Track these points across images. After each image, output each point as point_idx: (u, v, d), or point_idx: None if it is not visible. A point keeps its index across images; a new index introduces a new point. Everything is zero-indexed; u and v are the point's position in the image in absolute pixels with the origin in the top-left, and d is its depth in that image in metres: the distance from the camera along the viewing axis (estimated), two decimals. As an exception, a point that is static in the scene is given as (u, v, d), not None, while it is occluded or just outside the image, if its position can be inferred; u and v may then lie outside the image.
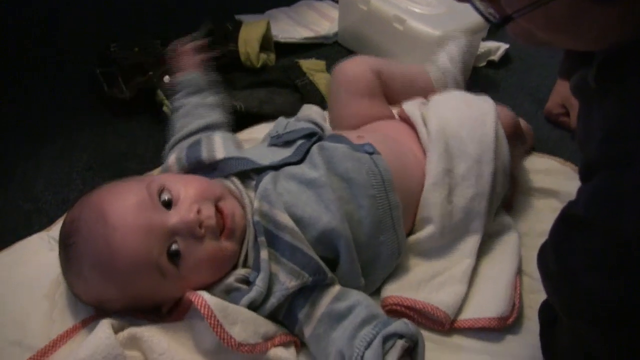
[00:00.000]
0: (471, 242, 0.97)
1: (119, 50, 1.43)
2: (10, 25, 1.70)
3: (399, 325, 0.78)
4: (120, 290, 0.82)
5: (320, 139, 0.97)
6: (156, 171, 1.19)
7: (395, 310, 0.92)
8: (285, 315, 0.85)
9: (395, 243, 0.93)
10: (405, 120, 1.07)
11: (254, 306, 0.83)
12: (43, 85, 1.47)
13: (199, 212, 0.82)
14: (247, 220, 0.87)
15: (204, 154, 0.97)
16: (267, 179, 0.88)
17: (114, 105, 1.37)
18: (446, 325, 0.90)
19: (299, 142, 0.97)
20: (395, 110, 1.16)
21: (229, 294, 0.84)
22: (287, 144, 0.98)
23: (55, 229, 1.04)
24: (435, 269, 0.97)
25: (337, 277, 0.88)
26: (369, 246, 0.90)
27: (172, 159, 1.00)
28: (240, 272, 0.86)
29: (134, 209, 0.80)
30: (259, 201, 0.86)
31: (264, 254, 0.83)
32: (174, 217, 0.81)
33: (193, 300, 0.77)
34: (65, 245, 0.84)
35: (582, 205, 0.61)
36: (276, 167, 0.92)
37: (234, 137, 1.09)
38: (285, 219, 0.84)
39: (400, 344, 0.77)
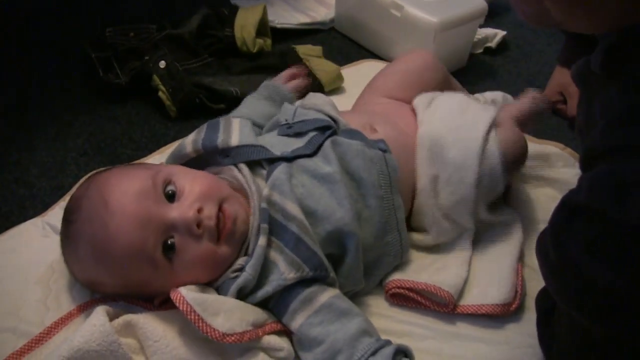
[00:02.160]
0: (465, 237, 0.98)
1: (114, 35, 1.42)
2: (3, 11, 1.68)
3: (406, 347, 0.80)
4: (112, 276, 0.82)
5: (334, 132, 0.95)
6: (153, 156, 1.19)
7: (399, 294, 0.93)
8: (276, 303, 0.84)
9: (399, 244, 0.93)
10: (414, 112, 1.06)
11: (243, 293, 0.83)
12: (38, 71, 1.46)
13: (200, 210, 0.81)
14: (253, 206, 0.86)
15: (219, 140, 0.95)
16: (281, 169, 0.87)
17: (110, 91, 1.36)
18: (450, 305, 0.90)
19: (311, 134, 0.95)
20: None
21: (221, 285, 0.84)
22: (299, 134, 0.96)
23: (49, 215, 1.04)
24: (434, 258, 0.98)
25: (340, 275, 0.87)
26: (374, 246, 0.90)
27: (189, 139, 0.97)
28: (239, 261, 0.85)
29: (135, 197, 0.80)
30: (269, 189, 0.85)
31: (261, 240, 0.82)
32: (173, 212, 0.81)
33: (172, 297, 0.77)
34: (67, 221, 0.84)
35: (583, 193, 0.61)
36: (288, 159, 0.91)
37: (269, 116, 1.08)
38: (295, 210, 0.84)
39: None
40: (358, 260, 0.87)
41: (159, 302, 0.85)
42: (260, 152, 0.92)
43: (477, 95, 1.27)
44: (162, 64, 1.33)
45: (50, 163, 1.20)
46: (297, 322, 0.82)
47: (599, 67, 0.65)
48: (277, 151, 0.92)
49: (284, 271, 0.81)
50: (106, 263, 0.80)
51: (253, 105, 1.11)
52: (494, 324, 0.91)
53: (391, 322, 0.91)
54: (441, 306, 0.91)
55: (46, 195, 1.12)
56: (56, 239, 0.90)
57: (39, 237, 1.00)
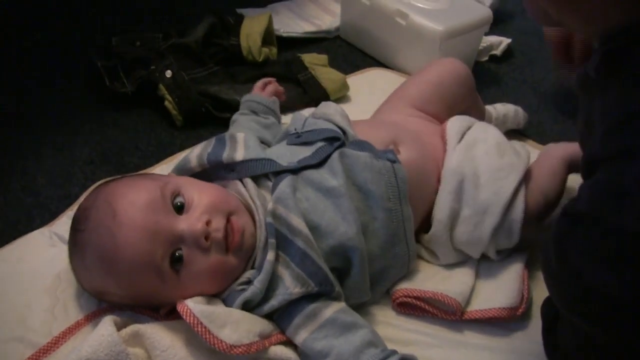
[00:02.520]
0: (471, 260, 0.99)
1: (120, 44, 1.43)
2: (10, 20, 1.69)
3: (412, 356, 0.80)
4: (119, 286, 0.82)
5: (342, 144, 0.95)
6: (160, 166, 1.19)
7: (406, 303, 0.93)
8: (280, 316, 0.84)
9: (407, 255, 0.93)
10: (443, 135, 1.04)
11: (250, 306, 0.83)
12: (44, 80, 1.46)
13: (208, 223, 0.81)
14: (259, 221, 0.86)
15: (225, 155, 0.94)
16: (286, 182, 0.87)
17: (116, 100, 1.36)
18: (457, 313, 0.90)
19: (319, 144, 0.95)
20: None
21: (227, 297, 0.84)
22: (306, 144, 0.96)
23: (57, 224, 1.04)
24: (440, 267, 0.99)
25: (345, 287, 0.87)
26: (381, 258, 0.90)
27: (194, 153, 0.97)
28: (246, 275, 0.85)
29: (144, 208, 0.79)
30: (274, 203, 0.84)
31: (270, 255, 0.82)
32: (182, 224, 0.81)
33: (178, 309, 0.77)
34: (75, 230, 0.84)
35: (584, 200, 0.61)
36: (294, 170, 0.91)
37: (268, 139, 1.08)
38: (300, 224, 0.83)
39: None
40: (363, 273, 0.87)
41: (165, 312, 0.85)
42: (266, 165, 0.92)
43: (488, 107, 1.27)
44: (169, 73, 1.33)
45: (57, 172, 1.20)
46: (300, 337, 0.82)
47: (594, 71, 0.65)
48: (283, 162, 0.92)
49: (289, 286, 0.82)
50: (113, 273, 0.80)
51: (242, 122, 1.11)
52: (500, 332, 0.91)
53: (398, 330, 0.91)
54: (448, 314, 0.91)
55: (53, 204, 1.12)
56: (64, 249, 0.90)
57: (47, 246, 1.00)
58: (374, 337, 0.82)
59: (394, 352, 0.80)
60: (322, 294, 0.83)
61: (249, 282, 0.83)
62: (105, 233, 0.79)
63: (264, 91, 1.20)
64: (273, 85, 1.22)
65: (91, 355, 0.74)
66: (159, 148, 1.27)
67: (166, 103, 1.31)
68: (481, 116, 1.21)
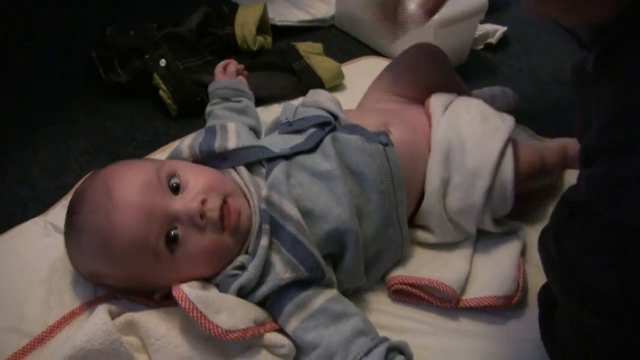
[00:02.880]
0: (469, 239, 0.99)
1: (114, 34, 1.42)
2: (4, 10, 1.69)
3: (401, 343, 0.79)
4: (114, 267, 0.82)
5: (334, 128, 0.95)
6: (154, 155, 1.19)
7: (402, 291, 0.93)
8: (272, 304, 0.84)
9: (400, 238, 0.93)
10: (427, 112, 1.05)
11: (244, 292, 0.83)
12: (38, 71, 1.46)
13: (203, 202, 0.81)
14: (253, 207, 0.86)
15: (217, 144, 0.95)
16: (280, 168, 0.87)
17: (111, 90, 1.36)
18: (453, 300, 0.90)
19: (311, 130, 0.95)
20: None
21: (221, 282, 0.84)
22: (299, 131, 0.96)
23: (51, 214, 1.05)
24: (436, 255, 0.99)
25: (340, 272, 0.87)
26: (375, 241, 0.90)
27: (185, 144, 0.97)
28: (239, 259, 0.85)
29: (140, 188, 0.80)
30: (268, 190, 0.85)
31: (264, 241, 0.82)
32: (177, 203, 0.81)
33: (174, 294, 0.77)
34: (70, 212, 0.85)
35: (582, 190, 0.61)
36: (287, 157, 0.91)
37: (253, 124, 1.09)
38: (292, 210, 0.84)
39: (401, 359, 0.78)
40: (358, 256, 0.87)
41: (159, 297, 0.85)
42: (259, 152, 0.92)
43: (475, 91, 1.27)
44: (163, 62, 1.33)
45: (52, 163, 1.20)
46: (291, 326, 0.82)
47: (593, 67, 0.65)
48: (276, 149, 0.92)
49: (279, 271, 0.82)
50: (109, 254, 0.80)
51: (219, 113, 1.11)
52: (496, 320, 0.91)
53: (393, 318, 0.91)
54: (444, 301, 0.91)
55: (48, 195, 1.12)
56: (58, 238, 0.90)
57: (41, 236, 1.00)
58: (365, 325, 0.82)
59: (384, 340, 0.79)
60: (313, 281, 0.83)
61: (242, 267, 0.83)
62: (102, 213, 0.79)
63: (226, 74, 1.20)
64: (233, 65, 1.22)
65: (85, 344, 0.74)
66: (154, 138, 1.27)
67: (161, 92, 1.30)
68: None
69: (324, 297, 0.82)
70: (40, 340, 0.84)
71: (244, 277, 0.81)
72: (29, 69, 1.47)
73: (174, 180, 0.84)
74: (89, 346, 0.74)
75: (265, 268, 0.83)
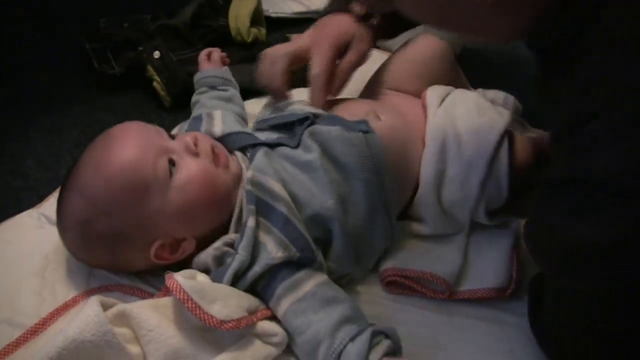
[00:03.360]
0: (463, 231, 0.99)
1: (108, 25, 1.42)
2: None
3: (388, 328, 0.79)
4: (112, 206, 0.82)
5: (312, 123, 0.95)
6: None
7: (395, 282, 0.93)
8: (263, 287, 0.84)
9: (389, 226, 0.93)
10: (423, 103, 1.05)
11: (238, 275, 0.83)
12: (32, 62, 1.46)
13: (195, 141, 0.87)
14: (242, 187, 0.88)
15: (203, 130, 0.98)
16: (262, 152, 0.89)
17: (104, 81, 1.36)
18: (446, 292, 0.90)
19: (292, 126, 0.96)
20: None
21: (215, 269, 0.84)
22: (276, 127, 0.97)
23: (44, 206, 1.04)
24: (430, 246, 0.98)
25: (330, 259, 0.88)
26: (363, 228, 0.90)
27: (173, 132, 0.99)
28: (230, 236, 0.86)
29: (137, 129, 0.87)
30: (253, 171, 0.86)
31: (250, 221, 0.83)
32: (172, 142, 0.87)
33: (168, 284, 0.77)
34: (65, 176, 0.88)
35: (555, 167, 0.63)
36: (271, 146, 0.92)
37: (240, 112, 1.11)
38: (281, 190, 0.85)
39: (387, 343, 0.77)
40: (345, 244, 0.88)
41: (155, 249, 0.85)
42: (244, 138, 0.95)
43: (478, 90, 1.27)
44: (157, 54, 1.33)
45: (46, 154, 1.20)
46: (282, 309, 0.82)
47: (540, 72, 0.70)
48: (261, 137, 0.94)
49: (271, 251, 0.82)
50: (108, 186, 0.82)
51: (205, 102, 1.12)
52: (490, 311, 0.91)
53: (387, 310, 0.91)
54: (437, 293, 0.91)
55: (42, 187, 1.12)
56: (52, 230, 0.90)
57: (34, 228, 1.00)
58: (353, 312, 0.81)
59: (369, 326, 0.79)
60: (305, 264, 0.84)
61: (232, 244, 0.84)
62: (100, 148, 0.85)
63: (211, 62, 1.20)
64: (217, 53, 1.22)
65: (78, 336, 0.74)
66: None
67: (155, 84, 1.30)
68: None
69: (314, 281, 0.83)
70: (34, 332, 0.83)
71: (236, 262, 0.81)
72: (22, 60, 1.46)
73: (171, 134, 0.90)
74: (81, 338, 0.74)
75: (257, 249, 0.83)
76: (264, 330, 0.80)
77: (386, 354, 0.76)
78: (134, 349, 0.77)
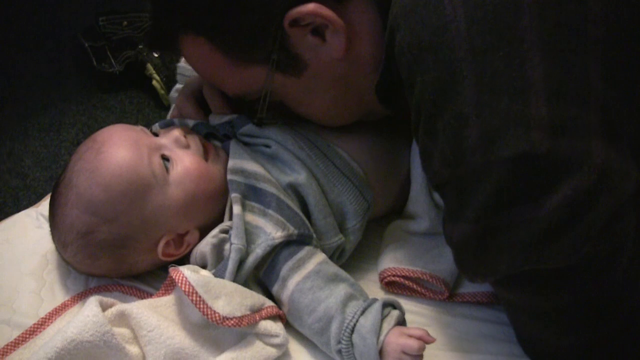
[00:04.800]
0: None
1: (107, 24, 1.42)
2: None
3: (394, 299, 0.80)
4: (107, 212, 0.82)
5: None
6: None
7: (395, 283, 0.93)
8: (267, 272, 0.85)
9: (354, 189, 0.93)
10: None
11: (240, 265, 0.83)
12: (30, 61, 1.46)
13: (184, 134, 0.88)
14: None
15: (176, 122, 0.99)
16: (235, 142, 0.92)
17: (103, 80, 1.36)
18: (445, 293, 0.90)
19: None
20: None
21: (213, 260, 0.84)
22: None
23: (43, 205, 1.04)
24: (429, 247, 0.97)
25: (316, 231, 0.88)
26: (330, 195, 0.91)
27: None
28: (226, 223, 0.86)
29: (122, 131, 0.86)
30: (232, 159, 0.88)
31: (236, 209, 0.84)
32: (160, 138, 0.87)
33: (174, 277, 0.77)
34: (57, 179, 0.87)
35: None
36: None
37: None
38: (266, 173, 0.87)
39: (396, 313, 0.78)
40: (323, 212, 0.88)
41: (161, 246, 0.85)
42: (207, 125, 0.97)
43: None
44: (156, 53, 1.32)
45: (44, 153, 1.19)
46: (288, 290, 0.82)
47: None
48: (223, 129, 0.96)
49: (270, 232, 0.83)
50: (106, 191, 0.81)
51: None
52: (491, 312, 0.91)
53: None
54: (437, 294, 0.91)
55: (40, 186, 1.12)
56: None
57: (33, 227, 0.99)
58: (355, 289, 0.83)
59: (375, 299, 0.80)
60: (304, 242, 0.84)
61: (227, 231, 0.85)
62: (89, 155, 0.83)
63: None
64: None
65: (76, 336, 0.73)
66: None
67: (154, 83, 1.30)
68: None
69: (316, 259, 0.84)
70: (32, 332, 0.83)
71: (234, 252, 0.81)
72: (21, 59, 1.46)
73: (154, 131, 0.91)
74: (80, 338, 0.73)
75: (254, 234, 0.83)
76: (265, 330, 0.80)
77: (397, 324, 0.77)
78: (133, 349, 0.77)
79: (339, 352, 0.78)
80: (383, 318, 0.77)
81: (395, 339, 0.75)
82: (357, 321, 0.77)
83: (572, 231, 0.61)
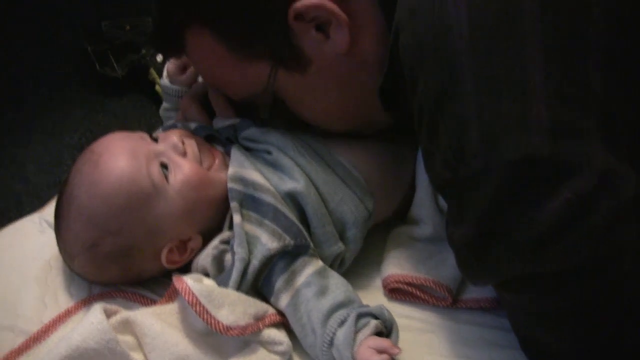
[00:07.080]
0: None
1: (110, 28, 1.42)
2: (-1, 3, 1.68)
3: (375, 308, 0.80)
4: (110, 223, 0.82)
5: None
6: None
7: (398, 289, 0.93)
8: (264, 282, 0.84)
9: (354, 196, 0.92)
10: None
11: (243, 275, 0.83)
12: (33, 65, 1.45)
13: (181, 140, 0.87)
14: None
15: (179, 125, 0.98)
16: (237, 148, 0.91)
17: (106, 84, 1.36)
18: (449, 299, 0.90)
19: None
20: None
21: (214, 271, 0.84)
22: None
23: (46, 211, 1.04)
24: (432, 252, 0.97)
25: (315, 241, 0.87)
26: (330, 203, 0.90)
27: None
28: (226, 233, 0.86)
29: (120, 140, 0.86)
30: (233, 167, 0.87)
31: (236, 218, 0.84)
32: (158, 145, 0.87)
33: (177, 287, 0.77)
34: (59, 193, 0.87)
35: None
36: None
37: None
38: (265, 182, 0.86)
39: (373, 323, 0.77)
40: (322, 221, 0.87)
41: (166, 251, 0.85)
42: (209, 128, 0.97)
43: None
44: (159, 57, 1.32)
45: (47, 158, 1.19)
46: (283, 303, 0.83)
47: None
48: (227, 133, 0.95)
49: (266, 242, 0.82)
50: (102, 205, 0.81)
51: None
52: (494, 318, 0.90)
53: (390, 316, 0.91)
54: (440, 300, 0.91)
55: (43, 191, 1.12)
56: (54, 236, 0.90)
57: (36, 233, 0.99)
58: (346, 297, 0.82)
59: (356, 308, 0.80)
60: (300, 252, 0.84)
61: (228, 241, 0.85)
62: (88, 168, 0.83)
63: (185, 75, 1.12)
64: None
65: (81, 344, 0.73)
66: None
67: (157, 87, 1.30)
68: None
69: (309, 270, 0.83)
70: (36, 338, 0.83)
71: (238, 262, 0.81)
72: (23, 63, 1.46)
73: (155, 136, 0.90)
74: (84, 345, 0.73)
75: (251, 244, 0.83)
76: (269, 337, 0.80)
77: (375, 334, 0.77)
78: (137, 356, 0.77)
79: None
80: (358, 329, 0.76)
81: (363, 352, 0.75)
82: (334, 334, 0.77)
83: (572, 234, 0.61)
